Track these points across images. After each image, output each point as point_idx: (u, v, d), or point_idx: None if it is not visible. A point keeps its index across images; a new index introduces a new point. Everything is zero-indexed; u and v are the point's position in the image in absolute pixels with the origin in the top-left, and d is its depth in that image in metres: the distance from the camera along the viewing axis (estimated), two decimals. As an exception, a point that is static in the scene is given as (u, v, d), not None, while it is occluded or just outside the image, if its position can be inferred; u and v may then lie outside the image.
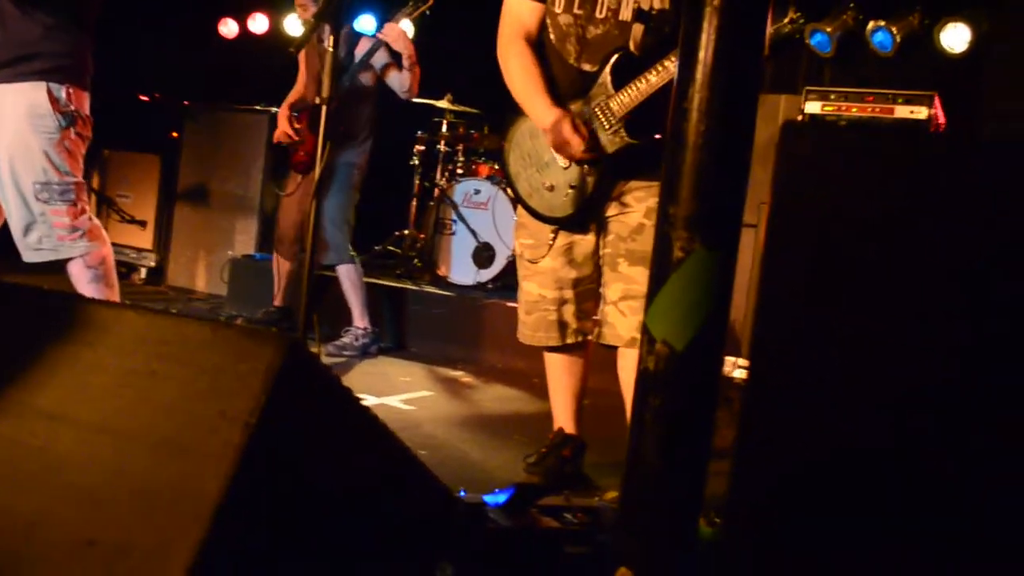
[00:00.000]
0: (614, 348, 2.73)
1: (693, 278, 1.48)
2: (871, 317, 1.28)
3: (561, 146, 2.61)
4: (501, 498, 2.13)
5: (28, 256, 3.20)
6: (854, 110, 4.52)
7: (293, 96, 4.99)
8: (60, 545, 1.40)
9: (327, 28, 4.60)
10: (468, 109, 6.01)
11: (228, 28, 7.75)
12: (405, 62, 4.59)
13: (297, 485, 1.41)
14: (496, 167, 5.77)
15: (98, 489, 1.41)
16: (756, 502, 1.36)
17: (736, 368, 3.95)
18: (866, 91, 4.51)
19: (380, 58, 4.65)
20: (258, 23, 7.59)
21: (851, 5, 5.32)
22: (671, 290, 1.49)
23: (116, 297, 3.36)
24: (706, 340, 1.49)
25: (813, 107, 4.56)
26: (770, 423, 1.35)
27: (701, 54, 1.48)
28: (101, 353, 1.47)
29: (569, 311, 2.81)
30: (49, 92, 3.11)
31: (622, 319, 2.67)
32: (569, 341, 2.84)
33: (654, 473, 1.53)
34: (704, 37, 1.49)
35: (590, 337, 2.86)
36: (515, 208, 5.05)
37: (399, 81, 4.68)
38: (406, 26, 4.64)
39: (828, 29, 5.35)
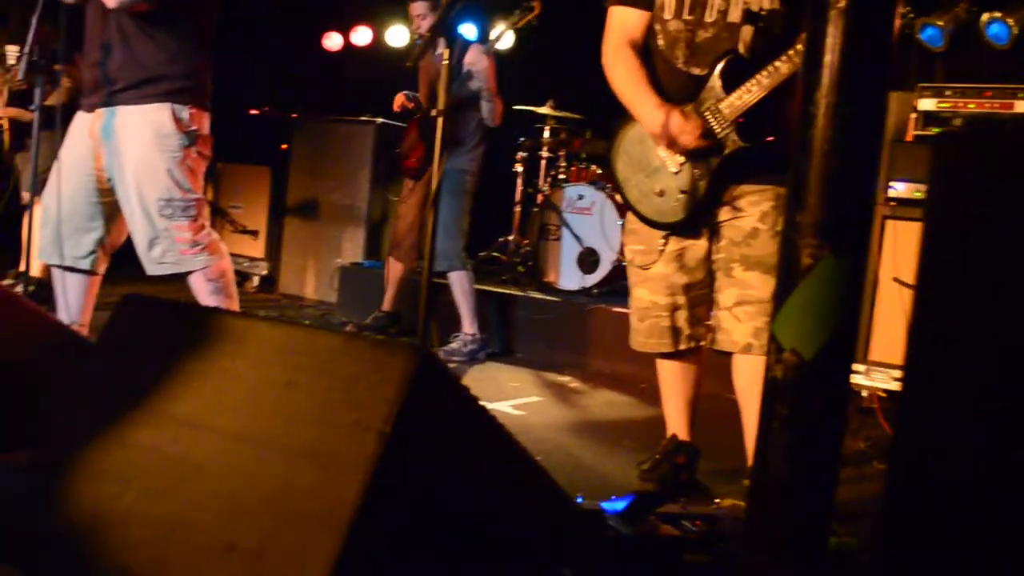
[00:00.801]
0: (728, 354, 2.70)
1: (822, 285, 1.45)
2: None
3: (674, 139, 2.58)
4: (619, 505, 2.13)
5: (151, 269, 3.32)
6: (971, 106, 4.36)
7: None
8: (200, 549, 1.46)
9: (441, 40, 4.71)
10: (570, 115, 6.00)
11: (332, 41, 7.93)
12: (485, 94, 4.63)
13: (428, 492, 1.44)
14: (600, 172, 5.76)
15: (237, 495, 1.46)
16: (911, 514, 1.33)
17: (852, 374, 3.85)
18: (983, 86, 4.35)
19: (481, 72, 4.69)
20: (361, 36, 7.74)
21: (964, -3, 5.14)
22: (800, 298, 1.47)
23: (235, 308, 3.46)
24: (836, 348, 1.47)
25: (927, 104, 4.42)
26: (926, 433, 1.32)
27: (827, 57, 1.46)
28: (239, 364, 1.53)
29: (682, 317, 2.79)
30: (173, 113, 3.23)
31: (737, 325, 2.63)
32: (682, 347, 2.82)
33: (782, 483, 1.51)
34: (830, 40, 1.46)
35: (703, 343, 2.83)
36: (621, 213, 5.05)
37: (484, 109, 4.73)
38: (507, 37, 4.66)
39: (940, 23, 5.17)
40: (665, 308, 2.79)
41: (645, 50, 2.75)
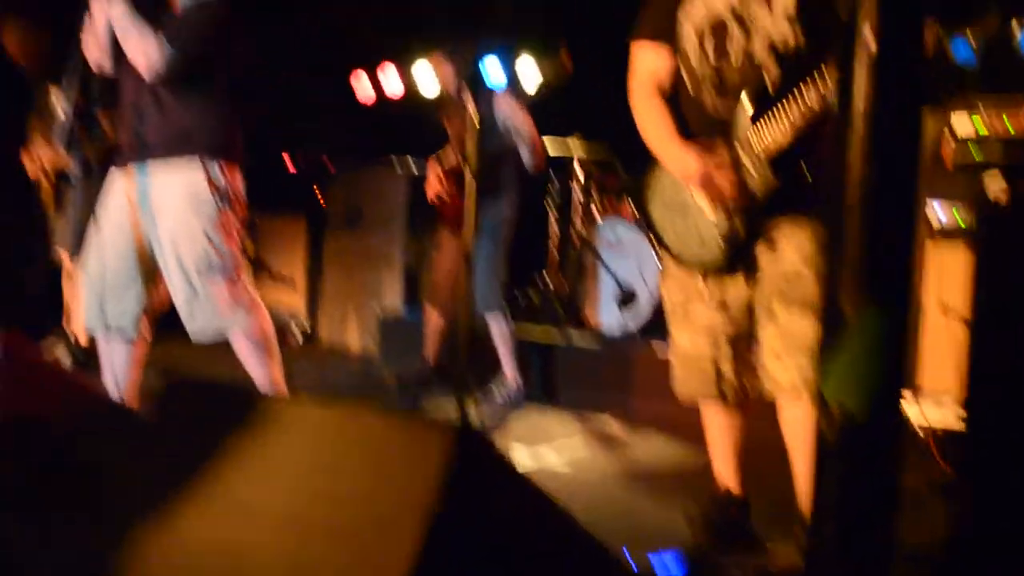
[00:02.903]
0: (774, 398, 2.65)
1: (866, 337, 1.43)
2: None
3: (708, 188, 2.56)
4: (669, 560, 2.10)
5: (193, 331, 3.35)
6: (1005, 118, 4.28)
7: (444, 154, 5.07)
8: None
9: (466, 88, 4.73)
10: (600, 149, 5.99)
11: (363, 87, 7.99)
12: (526, 141, 4.65)
13: (475, 572, 1.42)
14: (633, 207, 5.75)
15: (284, 579, 1.45)
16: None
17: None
18: (1017, 97, 4.28)
19: (517, 121, 4.69)
20: (391, 80, 7.80)
21: (995, 6, 5.08)
22: (844, 350, 1.44)
23: (278, 367, 3.47)
24: (884, 401, 1.44)
25: (961, 122, 4.35)
26: (992, 471, 1.29)
27: (858, 107, 1.44)
28: (283, 446, 1.53)
29: (725, 363, 2.74)
30: (206, 171, 3.27)
31: (780, 366, 2.58)
32: (726, 394, 2.77)
33: (838, 542, 1.48)
34: (859, 88, 1.44)
35: (747, 388, 2.78)
36: (654, 247, 5.02)
37: (523, 155, 4.73)
38: (534, 79, 4.63)
39: (970, 35, 5.11)
40: (707, 354, 2.74)
41: (673, 94, 2.74)
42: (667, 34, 2.70)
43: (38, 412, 2.12)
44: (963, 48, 5.08)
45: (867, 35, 1.43)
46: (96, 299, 3.35)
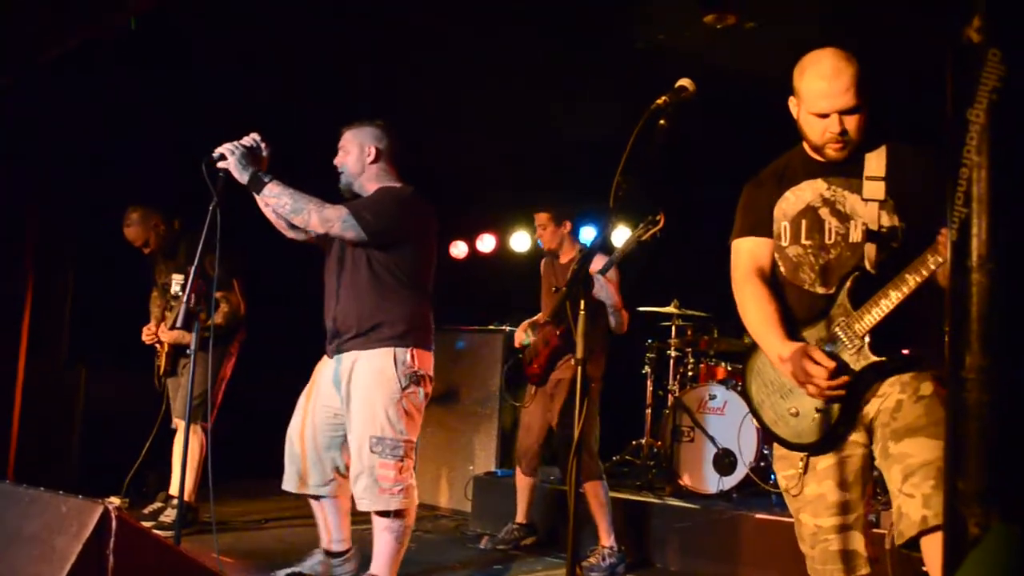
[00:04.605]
0: (914, 546, 2.49)
1: (994, 557, 1.39)
2: None
3: (804, 381, 2.55)
4: None
5: (357, 502, 3.50)
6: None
7: (538, 317, 5.15)
8: None
9: (562, 250, 4.86)
10: (695, 313, 6.02)
11: (458, 250, 8.24)
12: (611, 308, 4.71)
13: None
14: (729, 369, 5.72)
15: None
16: None
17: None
18: None
19: (606, 286, 4.77)
20: (485, 243, 8.03)
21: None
22: (971, 572, 1.40)
23: (400, 555, 3.56)
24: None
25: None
26: None
27: (973, 323, 1.44)
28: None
29: (853, 537, 2.62)
30: (396, 356, 3.46)
31: (911, 501, 2.43)
32: (862, 572, 2.64)
33: None
34: (975, 301, 1.45)
35: (874, 554, 2.65)
36: (748, 412, 4.93)
37: (611, 321, 4.78)
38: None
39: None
40: (831, 530, 2.64)
41: (771, 277, 2.76)
42: (764, 228, 2.76)
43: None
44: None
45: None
46: (296, 467, 3.62)
